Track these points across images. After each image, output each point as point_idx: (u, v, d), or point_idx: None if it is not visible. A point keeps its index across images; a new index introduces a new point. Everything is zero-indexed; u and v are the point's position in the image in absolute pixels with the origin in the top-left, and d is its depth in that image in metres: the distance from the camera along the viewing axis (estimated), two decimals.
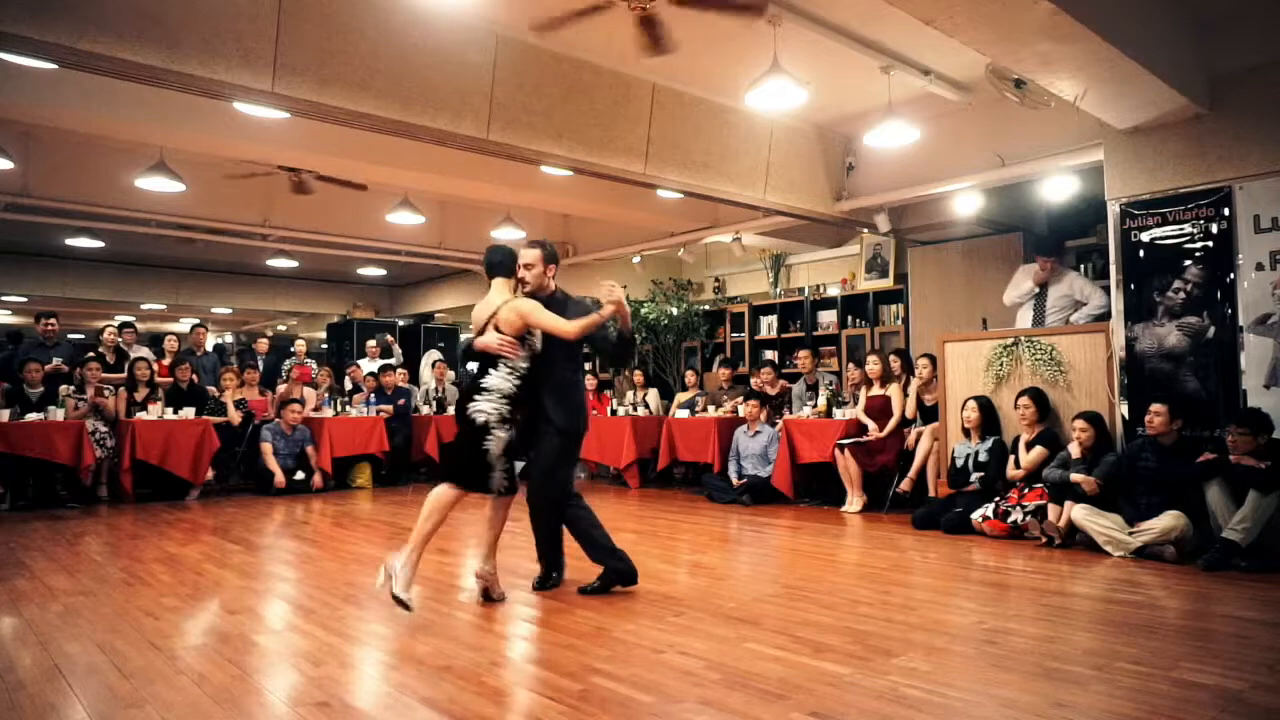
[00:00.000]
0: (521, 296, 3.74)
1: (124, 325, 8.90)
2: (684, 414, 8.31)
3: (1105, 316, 5.75)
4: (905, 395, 6.67)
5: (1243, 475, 4.38)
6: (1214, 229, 5.03)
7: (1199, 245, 5.09)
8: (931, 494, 6.17)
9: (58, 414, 6.86)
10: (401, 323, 14.06)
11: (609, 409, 9.13)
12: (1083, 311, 5.98)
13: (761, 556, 5.09)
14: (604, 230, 10.36)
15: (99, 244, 10.16)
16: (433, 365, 10.24)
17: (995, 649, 2.97)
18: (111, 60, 3.99)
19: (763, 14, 4.70)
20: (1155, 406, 4.81)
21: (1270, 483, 4.28)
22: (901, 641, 3.06)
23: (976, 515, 5.36)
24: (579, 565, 3.92)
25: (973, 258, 8.31)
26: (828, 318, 9.99)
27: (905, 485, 6.36)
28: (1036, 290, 6.15)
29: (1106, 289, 5.74)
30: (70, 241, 10.00)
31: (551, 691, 2.56)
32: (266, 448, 7.71)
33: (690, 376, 9.23)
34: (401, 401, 8.99)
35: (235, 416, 7.91)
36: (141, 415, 7.27)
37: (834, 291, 10.00)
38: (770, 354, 10.16)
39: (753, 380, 8.64)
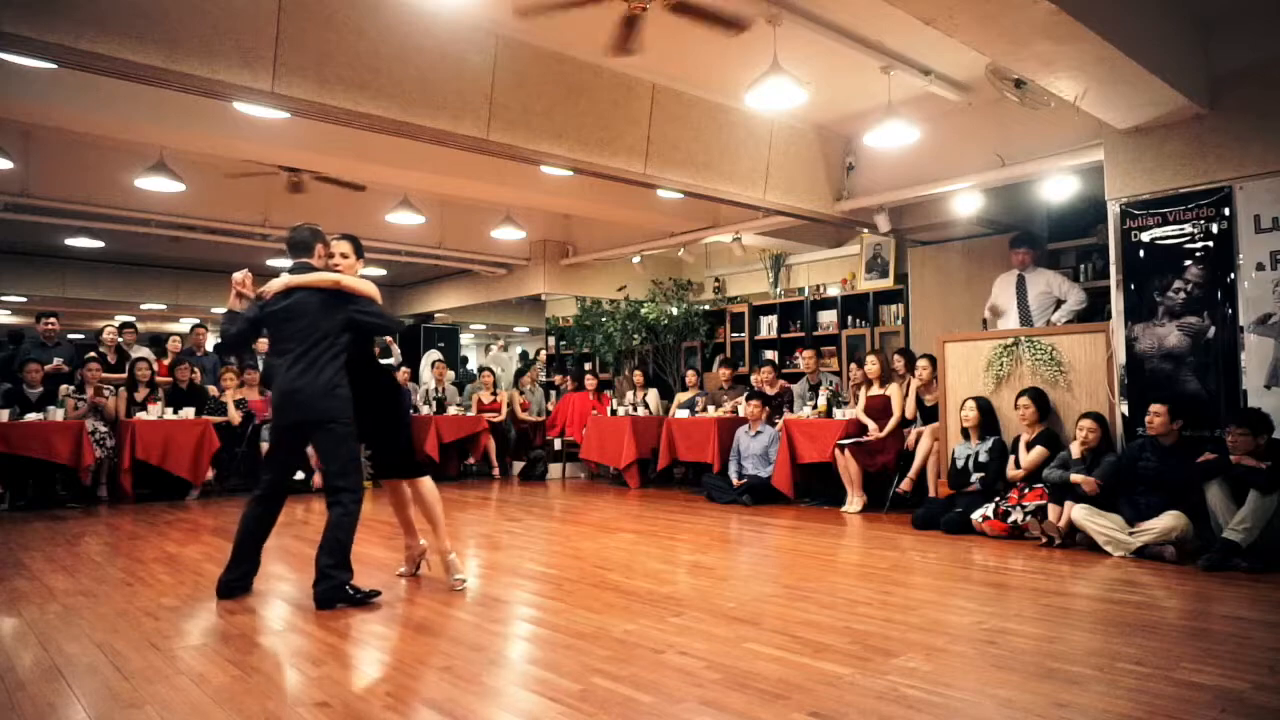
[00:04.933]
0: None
1: (124, 325, 8.90)
2: (684, 414, 8.31)
3: (1087, 312, 5.88)
4: (905, 395, 6.67)
5: (1243, 475, 4.38)
6: (1214, 229, 5.03)
7: (1199, 245, 5.09)
8: (931, 494, 6.17)
9: (57, 414, 6.87)
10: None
11: (609, 409, 9.12)
12: (1064, 309, 6.14)
13: (761, 556, 5.09)
14: (604, 230, 10.37)
15: (99, 244, 10.16)
16: (433, 365, 10.24)
17: (995, 649, 2.96)
18: (111, 60, 3.99)
19: (744, 30, 4.82)
20: (1155, 407, 4.82)
21: (1271, 483, 4.28)
22: (901, 641, 3.06)
23: (976, 515, 5.36)
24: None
25: (973, 258, 8.30)
26: (828, 318, 9.98)
27: (905, 485, 6.36)
28: (1016, 280, 6.32)
29: (1082, 284, 5.95)
30: (70, 241, 9.99)
31: (551, 691, 2.56)
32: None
33: (690, 376, 9.24)
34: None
35: (235, 416, 7.91)
36: (141, 415, 7.27)
37: (834, 291, 9.99)
38: (770, 354, 10.15)
39: (752, 380, 8.63)
